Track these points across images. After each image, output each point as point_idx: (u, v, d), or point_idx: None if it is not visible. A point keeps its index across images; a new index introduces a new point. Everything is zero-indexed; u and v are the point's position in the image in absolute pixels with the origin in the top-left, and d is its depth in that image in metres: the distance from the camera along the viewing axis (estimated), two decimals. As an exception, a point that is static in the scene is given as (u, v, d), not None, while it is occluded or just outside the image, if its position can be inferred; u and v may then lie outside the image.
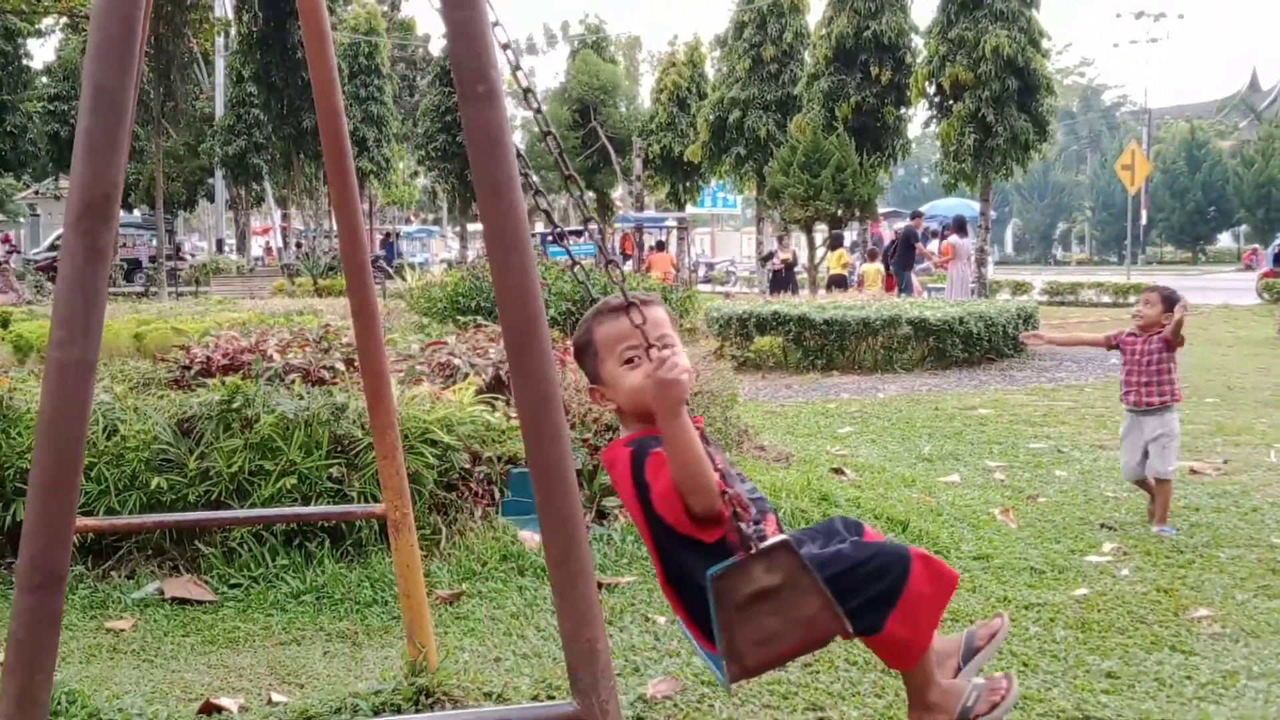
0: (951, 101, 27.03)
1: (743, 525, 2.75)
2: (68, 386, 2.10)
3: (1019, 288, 32.37)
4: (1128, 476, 7.13)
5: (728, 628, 2.74)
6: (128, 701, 4.03)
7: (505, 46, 2.45)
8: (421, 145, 47.80)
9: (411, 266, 31.39)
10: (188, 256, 51.04)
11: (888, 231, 37.66)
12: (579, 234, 51.43)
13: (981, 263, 27.15)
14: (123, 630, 5.17)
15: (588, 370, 3.08)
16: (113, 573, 5.82)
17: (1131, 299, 30.20)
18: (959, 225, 24.96)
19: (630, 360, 2.98)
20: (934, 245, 27.37)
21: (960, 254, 23.96)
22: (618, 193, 52.99)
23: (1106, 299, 31.02)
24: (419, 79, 56.62)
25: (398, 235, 55.31)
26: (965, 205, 36.05)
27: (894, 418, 11.23)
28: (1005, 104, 25.99)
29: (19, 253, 49.23)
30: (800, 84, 32.55)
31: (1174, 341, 6.86)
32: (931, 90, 27.82)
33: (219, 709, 4.14)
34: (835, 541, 3.03)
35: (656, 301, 3.06)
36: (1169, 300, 6.96)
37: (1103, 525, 6.86)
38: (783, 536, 2.82)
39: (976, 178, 27.16)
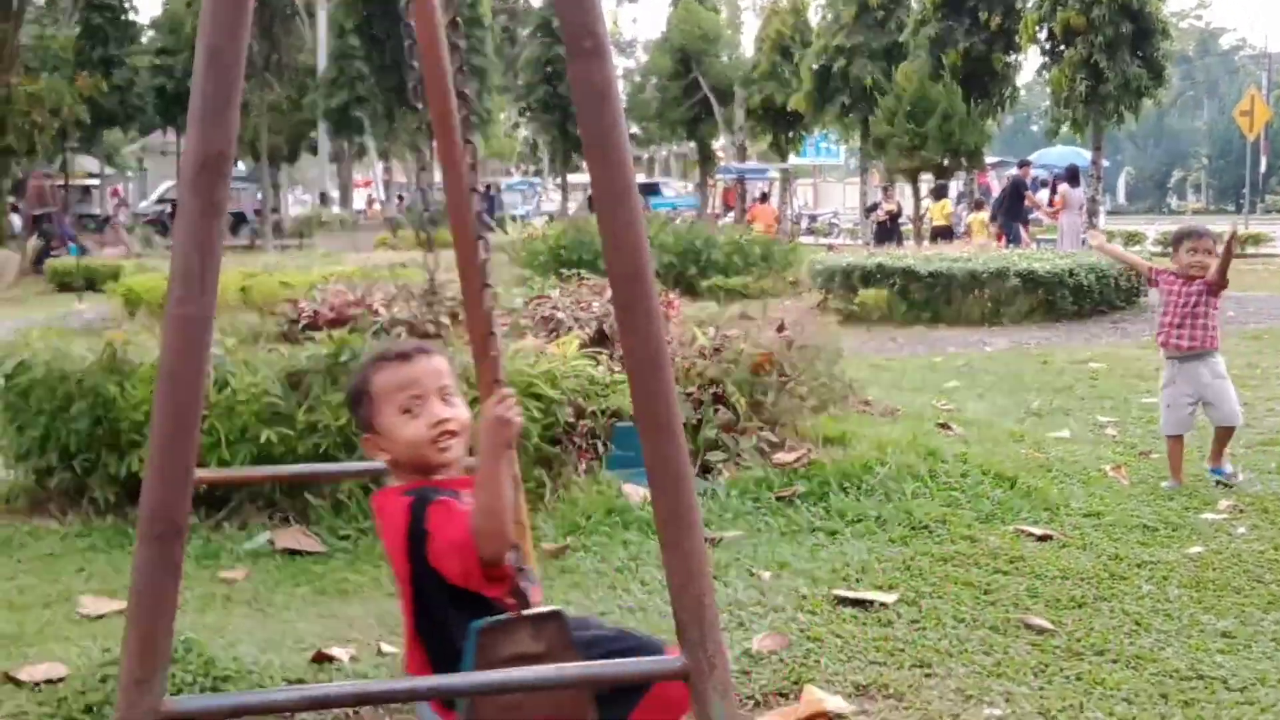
0: (1063, 47, 26.49)
1: (522, 581, 2.71)
2: (186, 342, 2.13)
3: (1132, 238, 31.74)
4: (1173, 430, 6.79)
5: None
6: (242, 650, 4.11)
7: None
8: (523, 97, 47.92)
9: (513, 219, 31.56)
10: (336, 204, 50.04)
11: (995, 181, 37.11)
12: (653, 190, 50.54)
13: (1093, 213, 26.70)
14: (235, 580, 5.26)
15: (360, 418, 2.99)
16: (225, 523, 5.93)
17: (1250, 250, 29.57)
18: (1071, 175, 24.51)
19: (408, 410, 2.88)
20: (1043, 194, 26.90)
21: (1072, 204, 23.56)
22: (719, 143, 52.73)
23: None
24: (519, 30, 56.71)
25: (498, 188, 55.55)
26: (1075, 154, 35.39)
27: (1002, 371, 11.11)
28: (1118, 49, 25.42)
29: (127, 206, 50.22)
30: (906, 31, 32.12)
31: (1218, 284, 6.62)
32: (1043, 35, 27.29)
33: (330, 658, 4.21)
34: (592, 630, 2.96)
35: (438, 351, 3.04)
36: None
37: (1218, 482, 6.72)
38: (555, 607, 2.79)
39: (1087, 125, 26.64)
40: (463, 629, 2.69)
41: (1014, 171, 27.73)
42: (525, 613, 2.70)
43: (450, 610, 2.77)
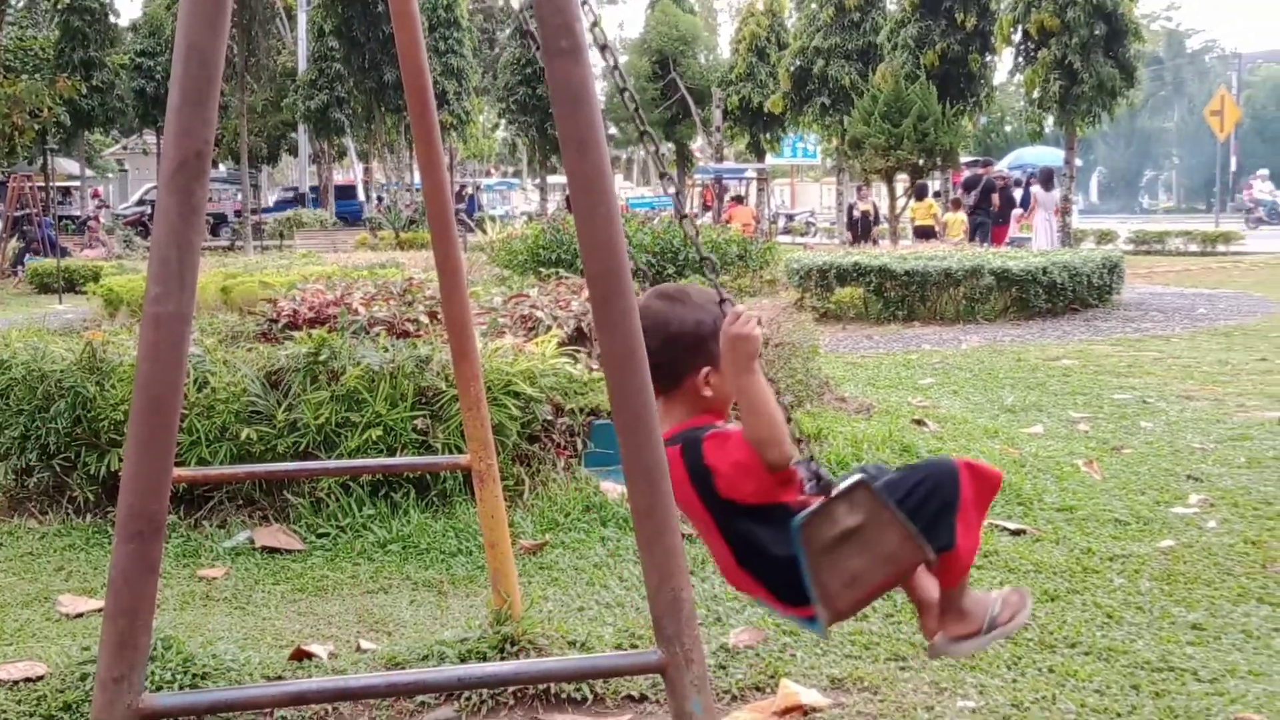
0: (1037, 48, 26.61)
1: (820, 471, 2.78)
2: (164, 340, 2.14)
3: (1104, 236, 31.92)
4: None
5: (818, 575, 2.76)
6: (221, 648, 4.12)
7: (584, 1, 2.46)
8: (502, 98, 47.86)
9: (492, 219, 31.54)
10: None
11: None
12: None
13: (1066, 212, 26.82)
14: (215, 578, 5.28)
15: (707, 353, 2.93)
16: (204, 522, 5.94)
17: (1220, 248, 29.77)
18: (1045, 177, 24.66)
19: None
20: (1017, 194, 27.02)
21: (1045, 205, 23.70)
22: (697, 144, 52.76)
23: (1194, 247, 30.55)
24: (498, 32, 56.65)
25: (478, 187, 55.46)
26: (1052, 154, 35.49)
27: (976, 369, 11.16)
28: (1092, 50, 25.53)
29: (108, 207, 50.05)
30: (883, 32, 32.20)
31: None
32: (1017, 37, 27.39)
33: (309, 655, 4.22)
34: (884, 477, 2.94)
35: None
36: None
37: (1189, 476, 6.78)
38: (858, 476, 2.81)
39: (1062, 125, 26.77)
40: (780, 539, 2.79)
41: (976, 172, 27.90)
42: (833, 493, 2.76)
43: (759, 529, 2.85)
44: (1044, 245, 22.20)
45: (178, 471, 4.09)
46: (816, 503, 2.77)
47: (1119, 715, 3.69)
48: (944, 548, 2.82)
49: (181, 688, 3.78)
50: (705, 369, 2.94)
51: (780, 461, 2.75)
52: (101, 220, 37.78)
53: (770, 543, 2.83)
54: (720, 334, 2.78)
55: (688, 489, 2.85)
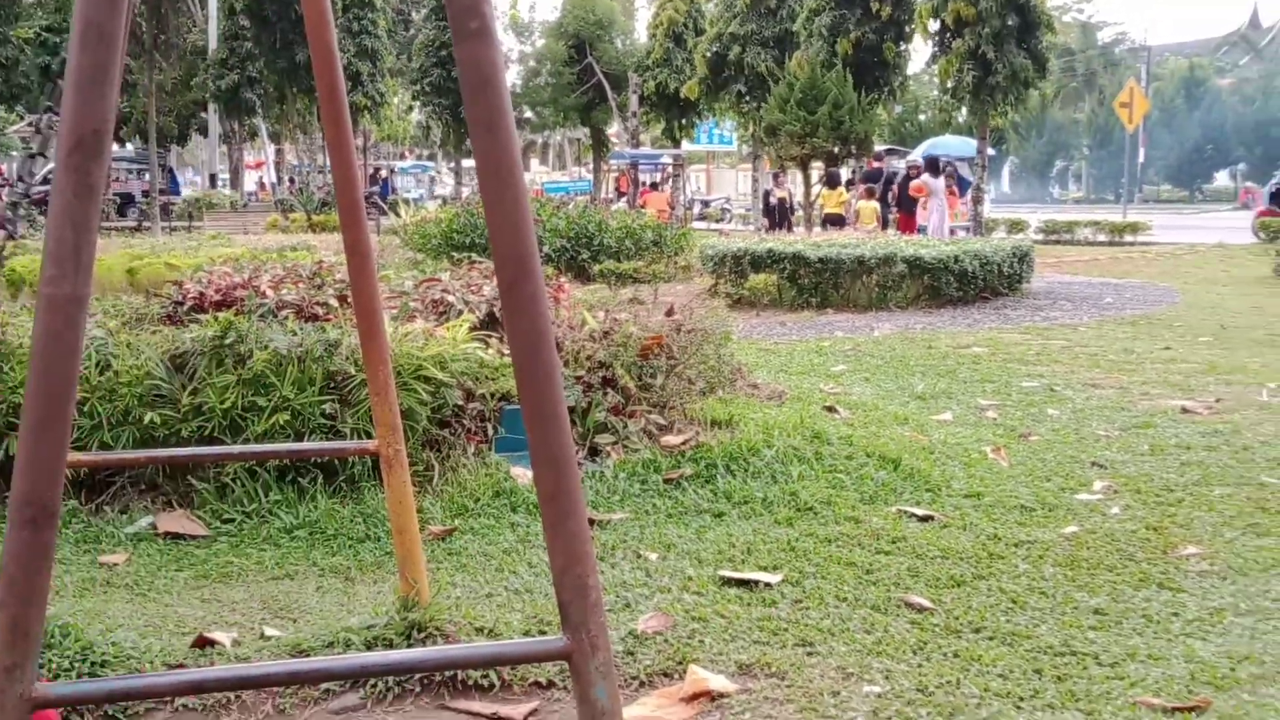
0: (952, 38, 26.88)
1: None
2: (59, 322, 2.09)
3: (1015, 226, 32.36)
4: None
5: None
6: (121, 635, 4.05)
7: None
8: (416, 80, 47.53)
9: (406, 202, 31.34)
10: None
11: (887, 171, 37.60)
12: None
13: (978, 200, 27.12)
14: (116, 565, 5.18)
15: None
16: (106, 507, 5.83)
17: (1128, 238, 30.27)
18: (930, 164, 25.06)
19: None
20: (941, 182, 27.46)
21: (936, 191, 23.99)
22: (613, 129, 52.70)
23: (1103, 238, 31.05)
24: (413, 13, 56.21)
25: (392, 170, 55.07)
26: (965, 143, 35.84)
27: (888, 356, 11.25)
28: (1005, 41, 25.84)
29: (10, 185, 49.04)
30: (799, 20, 32.37)
31: None
32: (935, 26, 27.65)
33: (212, 643, 4.15)
34: None
35: None
36: None
37: (1094, 463, 6.88)
38: None
39: (975, 115, 27.09)
40: None
41: (875, 165, 28.37)
42: None
43: None
44: (940, 232, 22.49)
45: (77, 456, 4.01)
46: None
47: (1022, 699, 3.73)
48: None
49: (79, 676, 3.71)
50: None
51: None
52: (4, 199, 37.01)
53: None
54: None
55: None
